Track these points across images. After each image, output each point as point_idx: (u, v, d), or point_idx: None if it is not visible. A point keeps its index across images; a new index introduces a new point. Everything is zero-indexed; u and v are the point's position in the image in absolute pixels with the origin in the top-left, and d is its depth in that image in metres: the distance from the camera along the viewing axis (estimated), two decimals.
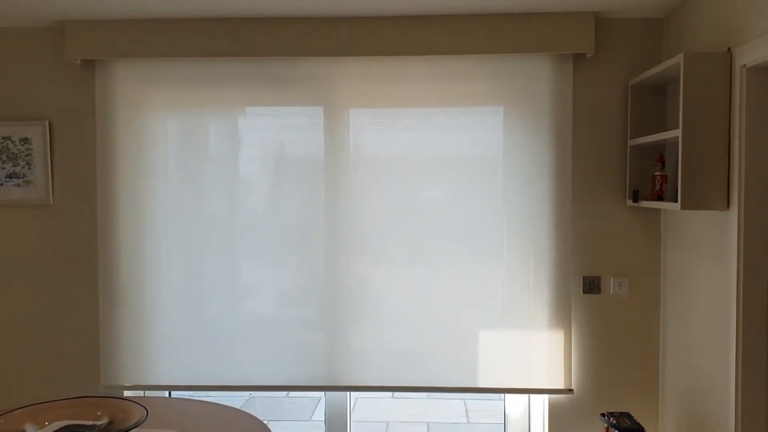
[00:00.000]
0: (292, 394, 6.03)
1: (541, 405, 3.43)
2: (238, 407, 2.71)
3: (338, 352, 3.36)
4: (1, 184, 3.37)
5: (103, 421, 2.30)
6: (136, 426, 2.16)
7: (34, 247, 3.41)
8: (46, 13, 3.13)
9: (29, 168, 3.36)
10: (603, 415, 3.06)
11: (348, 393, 3.51)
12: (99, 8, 3.04)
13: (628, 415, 3.05)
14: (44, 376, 3.44)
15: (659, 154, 3.01)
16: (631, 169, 3.19)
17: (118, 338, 3.38)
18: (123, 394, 3.43)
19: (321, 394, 5.79)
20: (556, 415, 3.32)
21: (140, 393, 3.52)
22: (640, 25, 3.23)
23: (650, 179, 3.15)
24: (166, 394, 3.62)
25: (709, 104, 2.55)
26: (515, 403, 3.50)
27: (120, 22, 3.22)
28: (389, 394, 5.91)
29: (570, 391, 3.28)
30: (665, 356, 3.23)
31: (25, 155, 3.36)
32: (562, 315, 3.28)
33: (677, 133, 2.62)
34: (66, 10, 3.07)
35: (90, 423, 2.29)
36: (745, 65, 2.43)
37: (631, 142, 3.16)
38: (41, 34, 3.36)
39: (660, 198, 2.96)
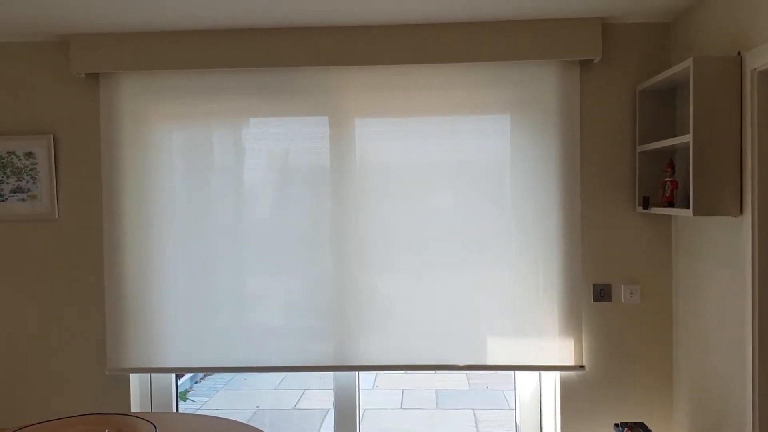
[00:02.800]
0: (300, 406, 5.99)
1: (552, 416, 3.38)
2: (245, 421, 2.68)
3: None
4: (6, 199, 3.35)
5: None
6: None
7: (40, 262, 3.39)
8: (51, 27, 3.12)
9: (34, 183, 3.35)
10: (617, 425, 3.02)
11: (356, 407, 3.48)
12: (103, 22, 3.04)
13: (642, 425, 3.01)
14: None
15: (669, 160, 2.98)
16: (641, 175, 3.16)
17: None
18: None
19: (330, 406, 5.75)
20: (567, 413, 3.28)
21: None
22: (647, 30, 3.20)
23: (660, 185, 3.11)
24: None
25: (720, 109, 2.52)
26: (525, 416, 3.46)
27: (124, 35, 3.21)
28: (398, 404, 5.86)
29: (581, 367, 3.25)
30: (679, 365, 3.18)
31: (30, 170, 3.34)
32: (572, 323, 3.23)
33: (688, 138, 2.59)
34: (70, 24, 3.06)
35: None
36: (755, 69, 2.40)
37: (639, 148, 3.13)
38: (46, 48, 3.36)
39: (671, 204, 2.93)
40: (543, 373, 3.42)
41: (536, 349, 3.25)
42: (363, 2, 2.82)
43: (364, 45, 3.17)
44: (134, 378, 3.45)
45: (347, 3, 2.83)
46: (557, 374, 3.30)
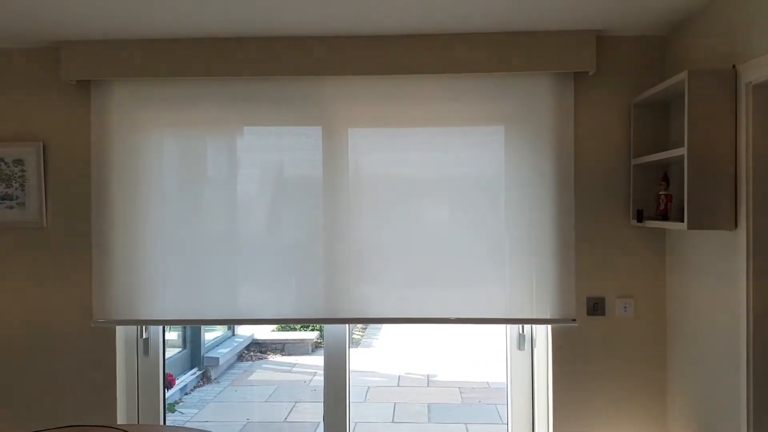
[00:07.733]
0: (290, 418, 5.92)
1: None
2: None
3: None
4: None
5: None
6: None
7: (27, 271, 3.35)
8: (42, 33, 3.09)
9: (22, 190, 3.30)
10: None
11: (347, 420, 3.43)
12: (95, 29, 3.01)
13: None
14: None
15: (663, 173, 2.96)
16: (635, 188, 3.14)
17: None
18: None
19: (320, 419, 5.69)
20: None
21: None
22: (641, 43, 3.19)
23: (654, 198, 3.10)
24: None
25: (715, 122, 2.51)
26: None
27: (116, 42, 3.19)
28: (389, 419, 5.80)
29: (573, 321, 3.21)
30: (673, 380, 3.15)
31: (19, 177, 3.30)
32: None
33: (682, 151, 2.57)
34: (62, 30, 3.04)
35: None
36: (750, 82, 2.39)
37: (634, 161, 3.11)
38: (36, 55, 3.33)
39: (665, 217, 2.90)
40: (537, 388, 3.39)
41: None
42: (357, 13, 2.81)
43: (357, 55, 3.15)
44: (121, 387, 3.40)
45: (341, 13, 2.81)
46: (550, 388, 3.26)
